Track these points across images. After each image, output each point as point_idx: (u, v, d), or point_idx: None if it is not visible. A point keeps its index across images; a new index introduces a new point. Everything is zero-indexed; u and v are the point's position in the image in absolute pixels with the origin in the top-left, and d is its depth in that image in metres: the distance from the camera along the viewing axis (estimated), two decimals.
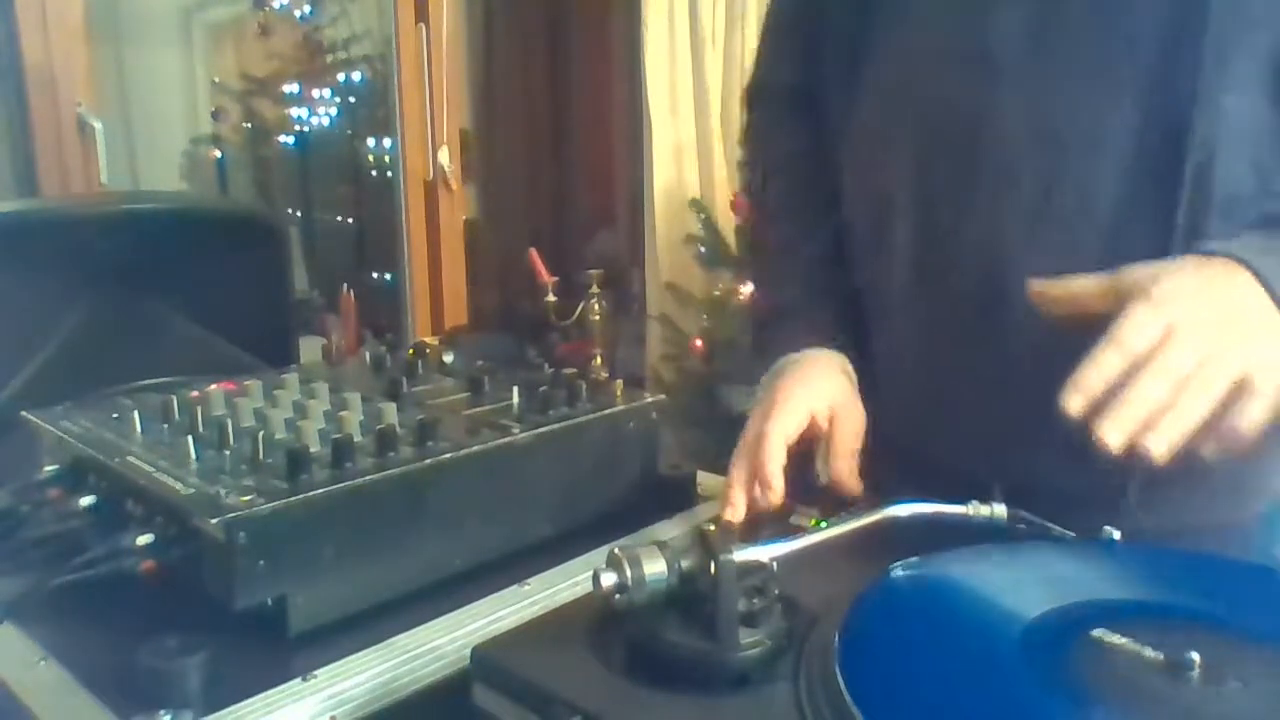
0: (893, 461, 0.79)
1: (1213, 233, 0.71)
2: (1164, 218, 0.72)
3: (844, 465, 0.77)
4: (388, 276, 2.82)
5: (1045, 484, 0.69)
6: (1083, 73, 0.73)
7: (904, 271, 0.83)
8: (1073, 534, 0.65)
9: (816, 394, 0.80)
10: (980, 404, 0.79)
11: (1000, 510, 0.65)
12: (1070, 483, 0.70)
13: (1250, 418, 0.58)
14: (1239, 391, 0.58)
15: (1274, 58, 0.71)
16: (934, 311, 0.82)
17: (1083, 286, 0.66)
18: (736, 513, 0.73)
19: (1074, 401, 0.59)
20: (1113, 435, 0.57)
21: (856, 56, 0.85)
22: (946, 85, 0.78)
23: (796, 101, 0.95)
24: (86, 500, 0.67)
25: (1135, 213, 0.73)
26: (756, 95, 1.02)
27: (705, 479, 0.86)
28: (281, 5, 3.17)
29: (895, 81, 0.82)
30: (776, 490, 0.72)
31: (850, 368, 0.85)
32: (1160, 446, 0.58)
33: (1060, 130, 0.74)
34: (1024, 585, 0.57)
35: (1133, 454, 0.57)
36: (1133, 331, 0.60)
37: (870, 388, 0.84)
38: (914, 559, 0.59)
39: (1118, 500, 0.76)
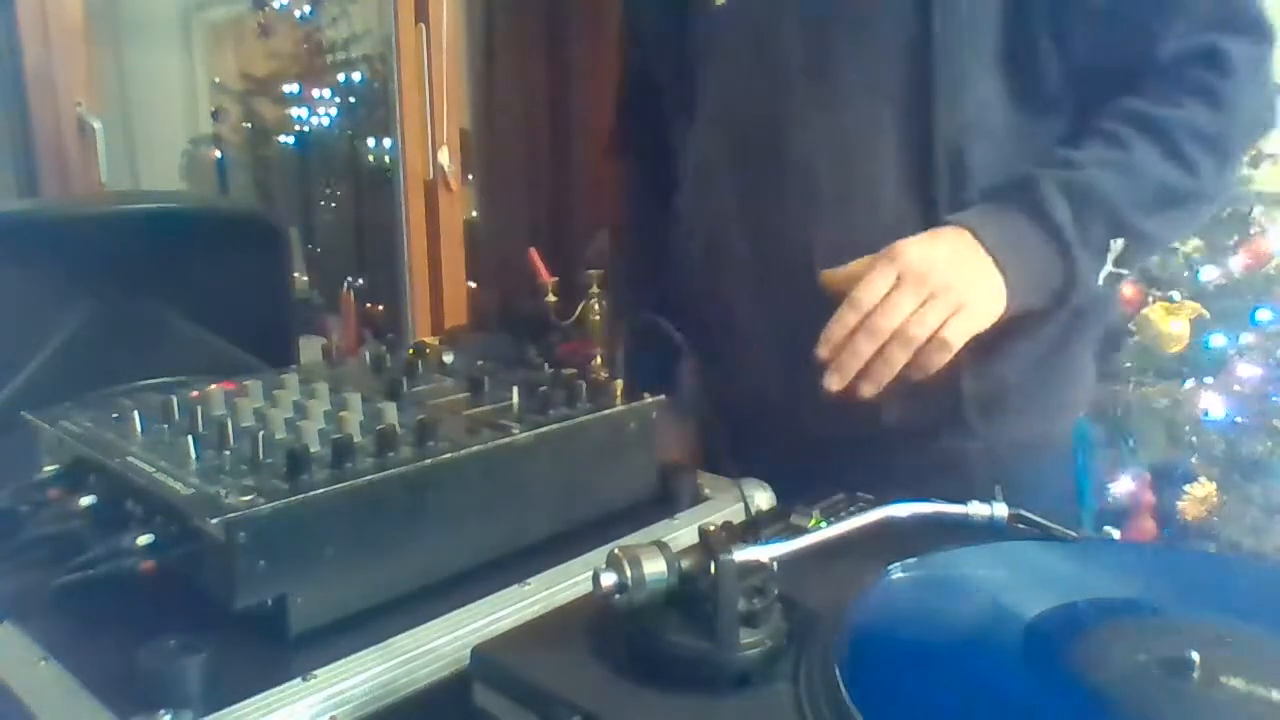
0: (748, 438, 0.90)
1: None
2: (932, 205, 0.87)
3: None
4: (388, 276, 2.81)
5: (892, 421, 0.90)
6: (855, 89, 0.89)
7: (743, 275, 0.96)
8: (1073, 534, 0.65)
9: None
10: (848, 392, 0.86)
11: (1000, 510, 0.65)
12: (916, 418, 0.90)
13: (936, 362, 0.79)
14: (933, 343, 0.77)
15: (999, 54, 0.86)
16: (768, 300, 0.94)
17: (857, 265, 0.81)
18: None
19: (822, 350, 0.79)
20: (833, 381, 0.79)
21: (687, 100, 1.01)
22: (753, 114, 0.94)
23: (647, 152, 1.12)
24: (86, 500, 0.67)
25: (910, 201, 0.88)
26: (617, 151, 1.22)
27: (705, 479, 0.86)
28: (281, 5, 3.16)
29: (715, 115, 0.98)
30: None
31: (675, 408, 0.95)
32: (868, 389, 0.79)
33: (844, 137, 0.89)
34: (1023, 585, 0.57)
35: (851, 391, 0.79)
36: (865, 289, 0.78)
37: (717, 370, 0.95)
38: (913, 559, 0.59)
39: (960, 424, 0.92)
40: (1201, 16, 0.84)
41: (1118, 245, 0.83)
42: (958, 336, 0.78)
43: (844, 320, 0.78)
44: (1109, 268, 0.83)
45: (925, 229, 0.84)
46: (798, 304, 0.84)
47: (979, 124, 0.87)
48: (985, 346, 0.88)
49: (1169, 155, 0.83)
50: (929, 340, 0.77)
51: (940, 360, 0.79)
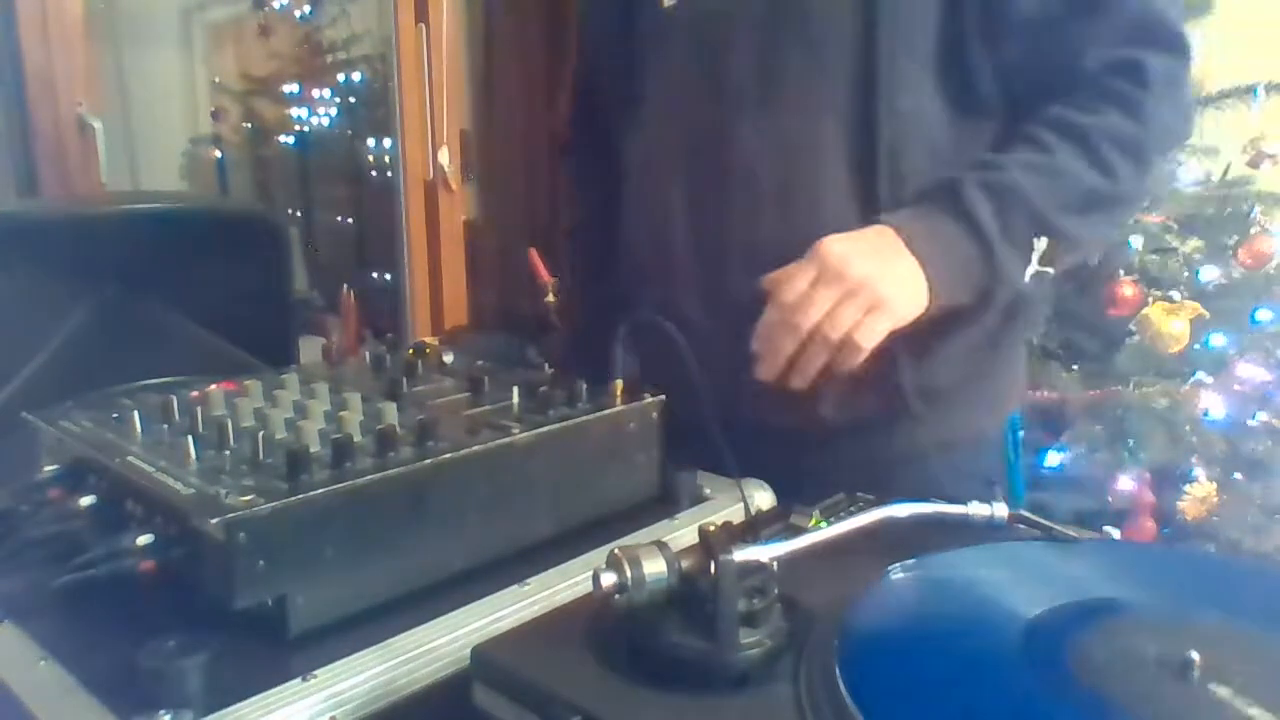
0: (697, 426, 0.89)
1: None
2: (872, 207, 0.89)
3: None
4: (388, 276, 2.81)
5: (834, 415, 0.94)
6: (798, 98, 0.91)
7: (684, 265, 0.98)
8: (1073, 534, 0.65)
9: None
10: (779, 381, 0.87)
11: (1000, 510, 0.65)
12: (859, 412, 0.94)
13: (850, 361, 0.82)
14: (846, 344, 0.80)
15: (936, 62, 0.89)
16: (713, 298, 0.97)
17: (794, 268, 0.83)
18: None
19: (754, 344, 0.83)
20: (760, 372, 0.83)
21: (633, 101, 1.03)
22: (699, 116, 0.96)
23: (598, 153, 1.12)
24: (86, 500, 0.67)
25: (850, 202, 0.90)
26: (569, 151, 1.22)
27: (705, 479, 0.86)
28: (281, 5, 3.17)
29: (662, 116, 1.00)
30: None
31: None
32: (796, 382, 0.83)
33: (787, 145, 0.92)
34: (1023, 585, 0.57)
35: (782, 383, 0.83)
36: (787, 287, 0.82)
37: (662, 366, 0.94)
38: (913, 559, 0.59)
39: (906, 418, 0.95)
40: (1123, 30, 0.87)
41: (1041, 244, 0.86)
42: (870, 337, 0.81)
43: (768, 317, 0.83)
44: (1034, 266, 0.86)
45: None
46: (741, 302, 0.86)
47: (917, 129, 0.90)
48: (925, 342, 0.92)
49: (1089, 159, 0.86)
50: (841, 340, 0.80)
51: (853, 360, 0.81)
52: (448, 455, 0.68)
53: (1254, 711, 0.43)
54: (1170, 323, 1.90)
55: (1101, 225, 0.93)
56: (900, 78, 0.89)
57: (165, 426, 0.73)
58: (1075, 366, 2.02)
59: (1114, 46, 0.88)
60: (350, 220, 3.26)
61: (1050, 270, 0.88)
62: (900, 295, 0.82)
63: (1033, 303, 1.01)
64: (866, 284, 0.80)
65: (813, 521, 0.68)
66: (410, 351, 0.91)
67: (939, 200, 0.86)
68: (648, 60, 1.01)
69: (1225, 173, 2.07)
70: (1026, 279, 0.87)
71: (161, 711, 0.51)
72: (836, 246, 0.82)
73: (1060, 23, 0.88)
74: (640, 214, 1.05)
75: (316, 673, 0.56)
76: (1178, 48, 0.89)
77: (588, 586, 0.52)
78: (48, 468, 0.72)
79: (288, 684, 0.55)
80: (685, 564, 0.51)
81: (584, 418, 0.77)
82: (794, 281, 0.81)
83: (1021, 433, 1.10)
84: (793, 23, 0.91)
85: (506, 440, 0.71)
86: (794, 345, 0.81)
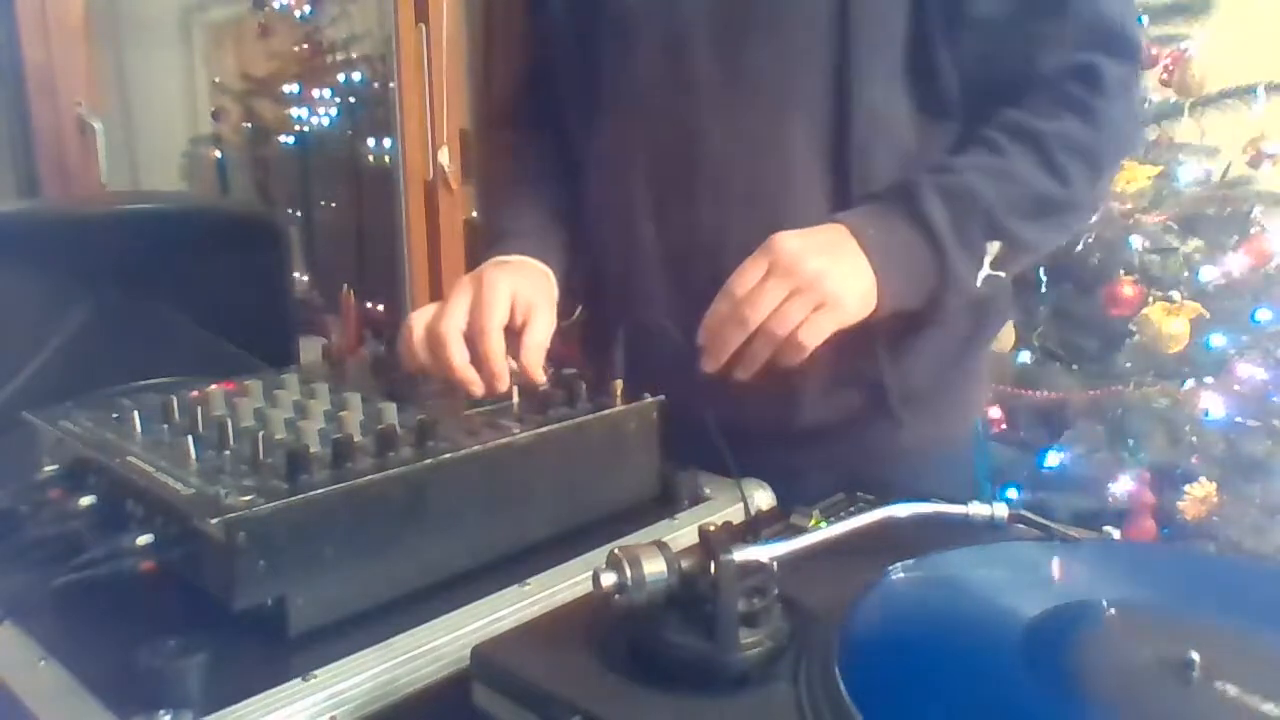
0: (671, 428, 0.88)
1: None
2: (839, 203, 0.89)
3: (533, 357, 0.85)
4: (388, 276, 2.81)
5: (811, 417, 0.95)
6: (765, 94, 0.90)
7: (650, 264, 0.97)
8: (1073, 534, 0.65)
9: (519, 285, 0.88)
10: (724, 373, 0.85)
11: (1000, 510, 0.65)
12: (839, 415, 0.95)
13: (793, 359, 0.81)
14: (790, 341, 0.79)
15: (904, 62, 0.89)
16: (679, 298, 0.94)
17: (746, 261, 0.82)
18: (478, 389, 0.81)
19: (701, 336, 0.83)
20: (707, 364, 0.82)
21: (592, 94, 0.99)
22: (665, 112, 0.94)
23: (542, 124, 1.09)
24: (86, 500, 0.67)
25: (822, 206, 0.90)
26: (508, 120, 1.16)
27: (706, 479, 0.86)
28: (281, 5, 3.16)
29: (626, 109, 0.97)
30: (504, 380, 0.82)
31: (554, 282, 0.96)
32: (741, 374, 0.82)
33: (754, 141, 0.91)
34: (1023, 585, 0.57)
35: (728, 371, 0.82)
36: (738, 279, 0.81)
37: (629, 365, 0.93)
38: (913, 559, 0.59)
39: (885, 419, 0.95)
40: (1079, 35, 0.88)
41: (994, 248, 0.86)
42: (815, 335, 0.80)
43: (718, 309, 0.82)
44: (986, 270, 0.87)
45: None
46: (707, 296, 0.85)
47: (887, 129, 0.90)
48: (903, 343, 0.93)
49: (1043, 164, 0.86)
50: (787, 337, 0.80)
51: (797, 357, 0.81)
52: (447, 455, 0.68)
53: (1258, 708, 0.44)
54: (1170, 323, 1.90)
55: (1054, 230, 0.93)
56: (872, 75, 0.88)
57: (165, 426, 0.73)
58: (1075, 366, 2.02)
59: (1070, 50, 0.88)
60: (350, 220, 3.26)
61: (1001, 274, 0.88)
62: (850, 294, 0.81)
63: (999, 307, 1.02)
64: (817, 281, 0.79)
65: (813, 521, 0.68)
66: None
67: (894, 202, 0.86)
68: (608, 50, 0.98)
69: (1225, 173, 2.07)
70: (979, 283, 0.87)
71: (161, 711, 0.51)
72: (790, 242, 0.81)
73: (1016, 23, 0.88)
74: (602, 212, 1.02)
75: (316, 673, 0.56)
76: (1131, 53, 0.90)
77: (588, 586, 0.52)
78: (48, 468, 0.72)
79: (288, 684, 0.55)
80: (685, 564, 0.51)
81: (584, 418, 0.77)
82: (744, 274, 0.81)
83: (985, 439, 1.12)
84: (761, 14, 0.90)
85: (506, 440, 0.71)
86: (740, 339, 0.80)
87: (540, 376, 0.83)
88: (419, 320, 0.85)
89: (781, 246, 0.81)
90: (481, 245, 1.01)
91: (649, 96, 0.96)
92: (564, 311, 0.96)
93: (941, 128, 0.92)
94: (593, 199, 1.03)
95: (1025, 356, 2.02)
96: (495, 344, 0.82)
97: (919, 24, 0.89)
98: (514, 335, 0.85)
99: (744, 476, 0.84)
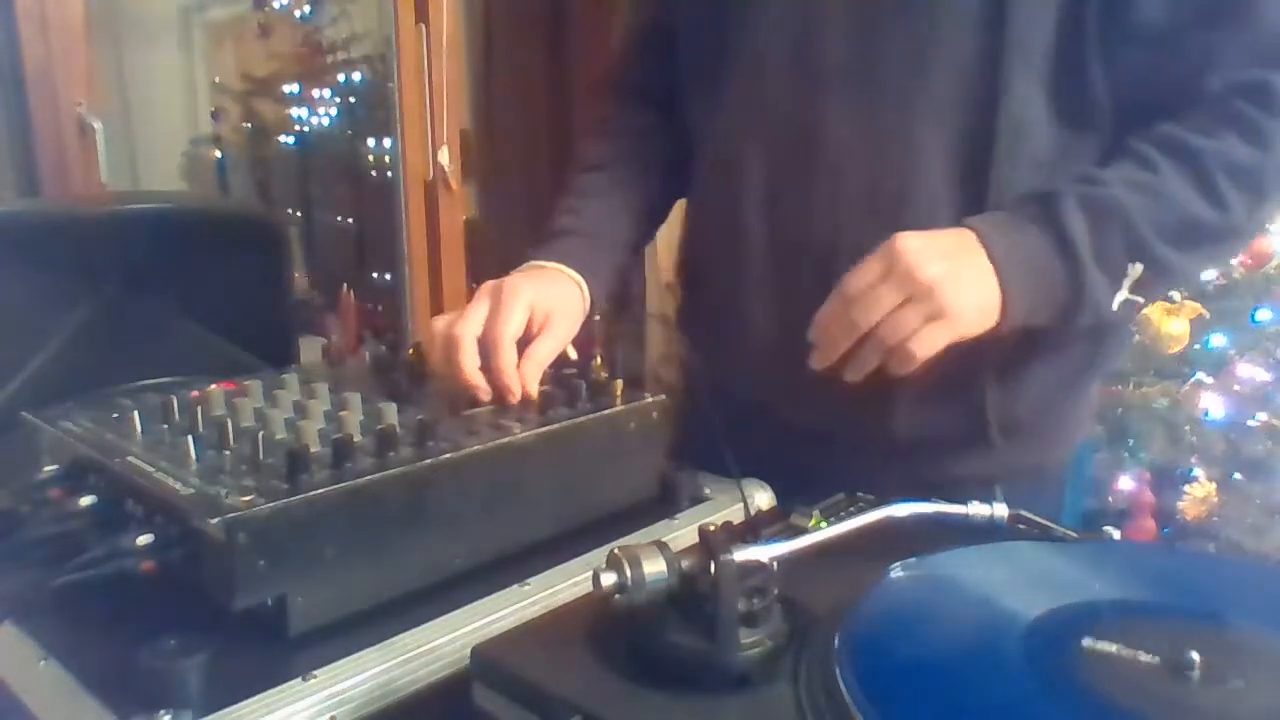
0: (751, 429, 0.86)
1: None
2: (968, 214, 0.81)
3: (531, 372, 0.83)
4: (388, 276, 2.81)
5: (903, 432, 0.89)
6: (897, 88, 0.85)
7: (756, 258, 0.92)
8: (1073, 534, 0.65)
9: (540, 297, 0.87)
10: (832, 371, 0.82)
11: (1000, 510, 0.65)
12: (932, 433, 0.89)
13: (901, 369, 0.77)
14: (900, 351, 0.75)
15: (1049, 74, 0.83)
16: (784, 295, 0.91)
17: (865, 260, 0.78)
18: (486, 395, 0.80)
19: (811, 332, 0.79)
20: (815, 360, 0.79)
21: (712, 71, 0.95)
22: (787, 98, 0.89)
23: (651, 99, 1.05)
24: (86, 500, 0.67)
25: (945, 210, 0.84)
26: (614, 90, 1.11)
27: (706, 479, 0.86)
28: (281, 5, 3.16)
29: (746, 94, 0.92)
30: (516, 392, 0.81)
31: (586, 295, 0.93)
32: (850, 376, 0.79)
33: (880, 136, 0.85)
34: (1024, 585, 0.57)
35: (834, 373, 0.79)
36: (854, 278, 0.77)
37: (723, 359, 0.92)
38: (913, 559, 0.59)
39: (980, 445, 0.89)
40: (1256, 48, 0.80)
41: (1136, 270, 0.79)
42: (927, 347, 0.75)
43: (830, 307, 0.78)
44: (1125, 294, 0.80)
45: None
46: (813, 300, 0.81)
47: (1027, 141, 0.84)
48: (1014, 370, 0.87)
49: (1199, 185, 0.79)
50: (897, 346, 0.76)
51: (906, 367, 0.77)
52: (447, 455, 0.68)
53: (1253, 712, 0.44)
54: (1170, 323, 1.90)
55: (1203, 258, 0.86)
56: (1018, 80, 0.82)
57: (165, 426, 0.73)
58: None
59: (1242, 65, 0.80)
60: (350, 220, 3.26)
61: (1141, 300, 0.80)
62: (968, 306, 0.75)
63: (1121, 334, 0.95)
64: (935, 289, 0.74)
65: (813, 521, 0.68)
66: (410, 351, 0.91)
67: (1030, 210, 0.79)
68: (734, 20, 0.92)
69: None
70: (1115, 307, 0.80)
71: (161, 711, 0.51)
72: (912, 243, 0.76)
73: (1187, 33, 0.80)
74: (711, 196, 0.97)
75: (316, 673, 0.56)
76: None
77: (588, 586, 0.52)
78: (48, 468, 0.71)
79: (288, 684, 0.55)
80: (685, 564, 0.51)
81: (584, 418, 0.77)
82: (860, 274, 0.76)
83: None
84: (897, 23, 0.84)
85: (506, 440, 0.71)
86: (849, 342, 0.77)
87: (533, 391, 0.81)
88: (440, 323, 0.84)
89: (902, 248, 0.75)
90: (529, 243, 0.98)
91: (772, 77, 0.90)
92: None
93: (1085, 141, 0.85)
94: (700, 184, 0.99)
95: None
96: (506, 356, 0.81)
97: (1071, 36, 0.82)
98: (527, 347, 0.84)
99: (819, 488, 0.79)
